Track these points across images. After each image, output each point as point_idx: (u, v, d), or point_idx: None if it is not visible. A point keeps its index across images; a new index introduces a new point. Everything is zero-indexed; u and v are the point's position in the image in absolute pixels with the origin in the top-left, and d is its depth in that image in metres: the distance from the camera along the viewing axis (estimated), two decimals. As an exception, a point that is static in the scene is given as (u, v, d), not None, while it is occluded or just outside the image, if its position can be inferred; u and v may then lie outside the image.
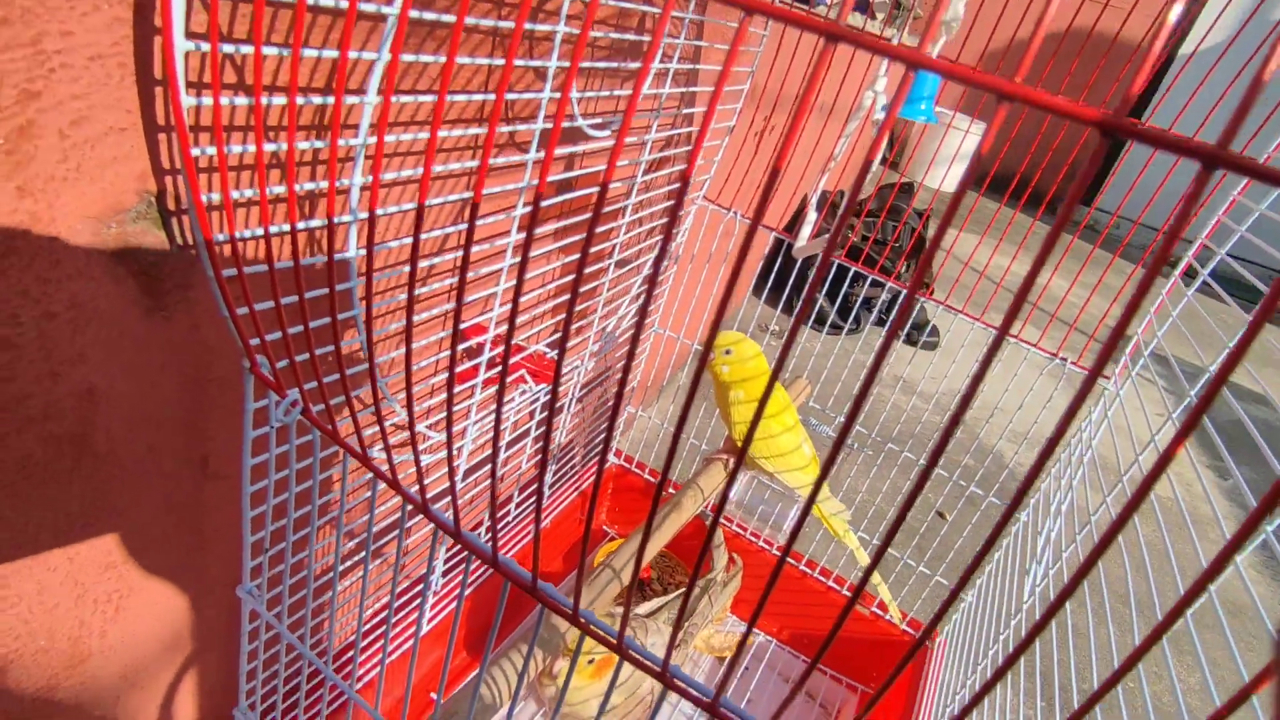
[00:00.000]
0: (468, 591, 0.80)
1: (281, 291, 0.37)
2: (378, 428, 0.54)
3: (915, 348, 1.87)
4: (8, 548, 0.36)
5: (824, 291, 1.97)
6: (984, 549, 0.20)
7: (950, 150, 3.08)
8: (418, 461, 0.30)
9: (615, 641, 0.30)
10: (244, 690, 0.53)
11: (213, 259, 0.34)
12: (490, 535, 0.31)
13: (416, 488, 0.33)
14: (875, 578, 0.69)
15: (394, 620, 0.72)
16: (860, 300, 1.88)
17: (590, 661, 0.72)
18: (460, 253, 0.54)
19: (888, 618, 0.91)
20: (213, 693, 0.56)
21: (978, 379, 0.18)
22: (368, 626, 0.70)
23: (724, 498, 0.26)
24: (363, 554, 0.64)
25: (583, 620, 0.31)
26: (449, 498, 0.63)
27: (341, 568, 0.61)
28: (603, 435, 1.00)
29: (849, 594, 0.92)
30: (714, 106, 0.19)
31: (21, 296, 0.32)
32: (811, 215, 0.85)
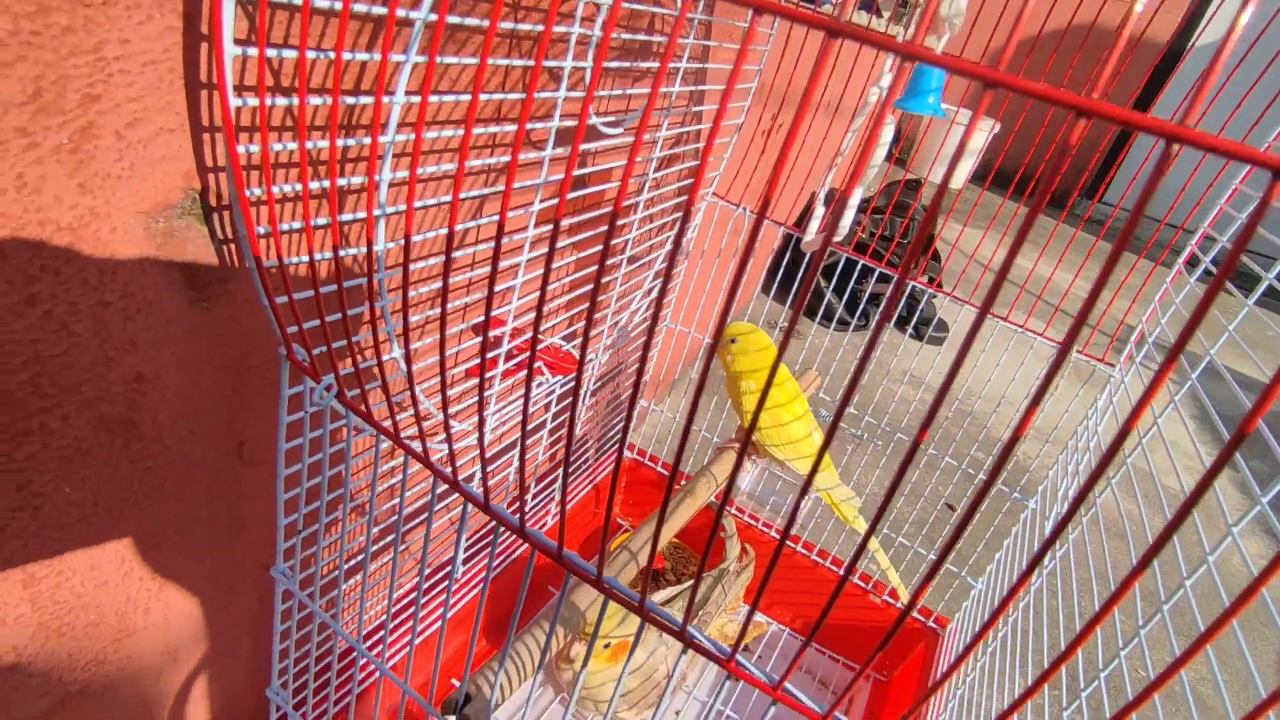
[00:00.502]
0: (493, 575, 0.82)
1: (310, 284, 0.39)
2: (405, 412, 0.56)
3: (922, 342, 1.88)
4: (67, 524, 0.38)
5: (831, 287, 1.98)
6: (969, 512, 0.22)
7: (956, 146, 3.07)
8: (449, 433, 0.32)
9: (637, 605, 0.32)
10: (276, 669, 0.55)
11: (254, 250, 0.36)
12: (518, 505, 0.33)
13: (449, 469, 0.35)
14: (884, 563, 0.70)
15: (422, 601, 0.75)
16: (868, 296, 1.89)
17: (606, 646, 0.74)
18: (477, 248, 0.56)
19: (899, 605, 0.92)
20: (247, 671, 0.59)
21: (964, 350, 0.20)
22: (396, 608, 0.72)
23: (731, 481, 0.27)
24: (392, 536, 0.66)
25: (606, 585, 0.33)
26: (474, 482, 0.65)
27: (371, 550, 0.64)
28: (617, 430, 1.02)
29: (861, 583, 0.94)
30: (724, 105, 0.21)
31: (82, 286, 0.34)
32: (819, 210, 0.87)
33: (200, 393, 0.42)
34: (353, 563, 0.59)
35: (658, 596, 0.86)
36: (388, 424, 0.37)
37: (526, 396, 0.29)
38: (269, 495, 0.51)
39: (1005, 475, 0.89)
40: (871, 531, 0.24)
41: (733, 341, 0.69)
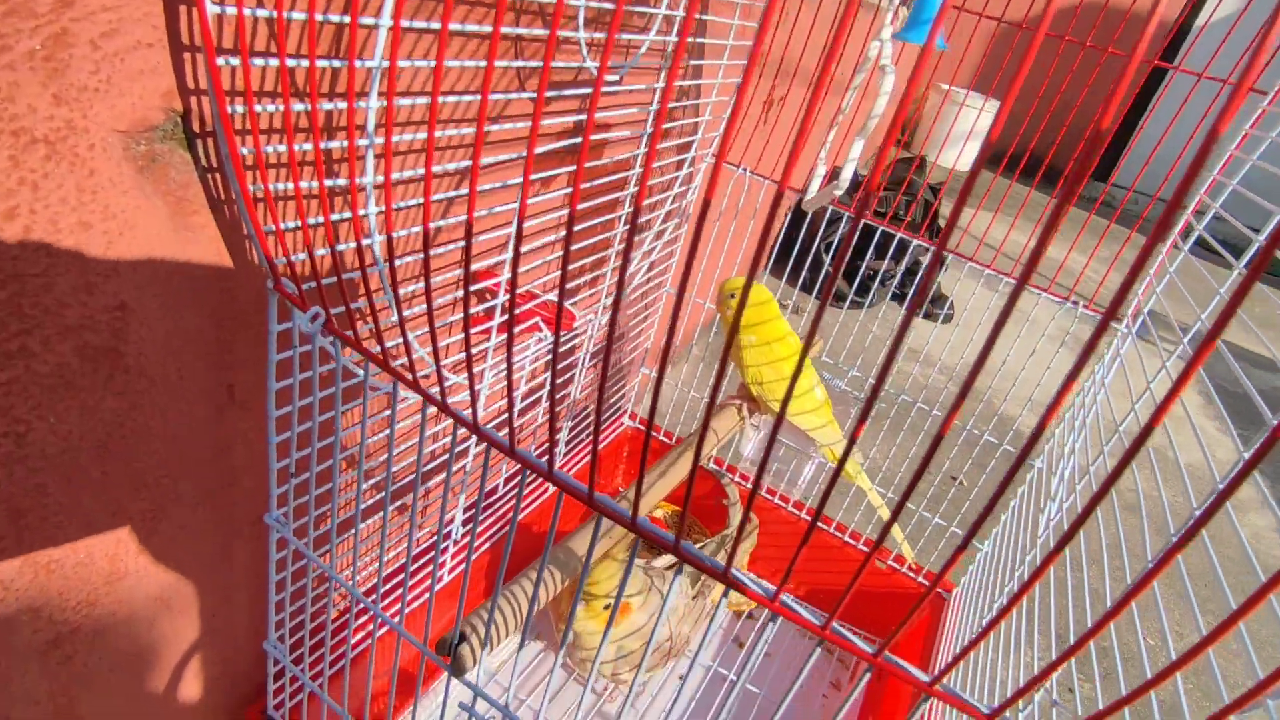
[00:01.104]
0: (481, 537, 0.81)
1: (298, 214, 0.38)
2: (398, 360, 0.54)
3: (928, 320, 1.86)
4: (51, 455, 0.37)
5: (830, 261, 1.97)
6: (932, 446, 0.21)
7: (961, 130, 3.06)
8: (434, 336, 0.31)
9: (629, 520, 0.32)
10: (273, 622, 0.54)
11: (238, 171, 0.35)
12: (508, 433, 0.33)
13: (445, 396, 0.35)
14: (866, 484, 0.70)
15: (418, 553, 0.74)
16: (875, 273, 1.87)
17: (606, 607, 0.73)
18: (465, 192, 0.55)
19: (905, 570, 0.91)
20: (246, 624, 0.58)
21: (932, 264, 0.19)
22: (392, 566, 0.72)
23: (704, 428, 0.27)
24: (393, 479, 0.66)
25: (597, 502, 0.32)
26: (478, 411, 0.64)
27: (369, 503, 0.63)
28: (619, 397, 1.02)
29: (865, 549, 0.93)
30: (687, 30, 0.20)
31: (61, 204, 0.33)
32: (821, 169, 0.86)
33: (186, 328, 0.42)
34: (345, 516, 0.58)
35: (659, 562, 0.85)
36: (379, 358, 0.37)
37: (558, 328, 0.28)
38: (261, 441, 0.51)
39: (1009, 438, 0.88)
40: (844, 458, 0.23)
41: (731, 296, 0.68)
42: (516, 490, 0.36)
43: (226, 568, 0.53)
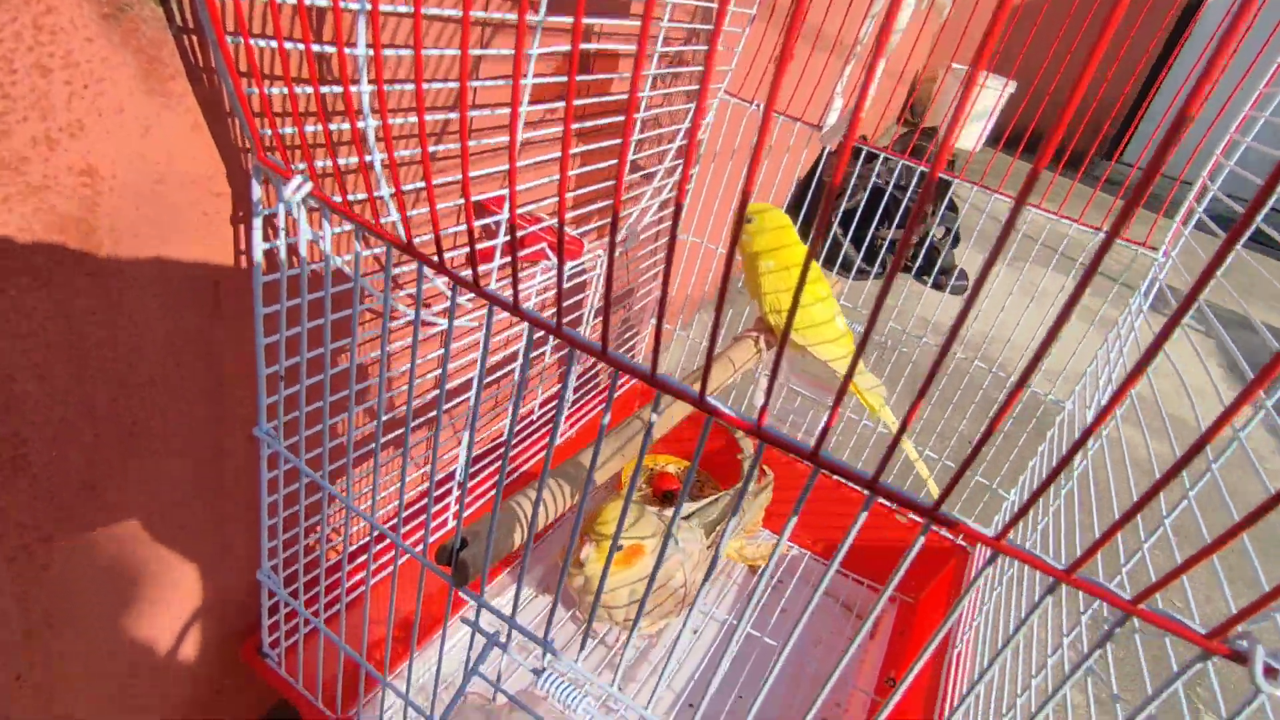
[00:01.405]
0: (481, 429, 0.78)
1: (283, 78, 0.34)
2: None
3: (944, 292, 1.83)
4: (15, 334, 0.34)
5: (850, 237, 1.93)
6: (930, 374, 0.18)
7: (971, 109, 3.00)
8: (432, 205, 0.28)
9: (648, 376, 0.28)
10: (266, 549, 0.51)
11: (215, 25, 0.32)
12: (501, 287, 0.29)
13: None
14: (908, 448, 0.66)
15: (410, 447, 0.70)
16: (873, 237, 1.83)
17: (619, 548, 0.70)
18: (477, 116, 0.52)
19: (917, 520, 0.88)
20: (236, 555, 0.55)
21: (921, 204, 0.16)
22: (391, 505, 0.68)
23: (710, 350, 0.23)
24: (391, 402, 0.62)
25: (610, 357, 0.29)
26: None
27: (363, 429, 0.59)
28: (629, 348, 0.98)
29: (887, 503, 0.89)
30: None
31: (15, 39, 0.30)
32: (837, 102, 0.82)
33: (164, 210, 0.39)
34: (337, 441, 0.55)
35: (670, 511, 0.82)
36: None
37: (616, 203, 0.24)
38: (251, 352, 0.48)
39: (1037, 379, 0.84)
40: (852, 368, 0.22)
41: (748, 221, 0.64)
42: (524, 349, 0.33)
43: (214, 491, 0.50)
